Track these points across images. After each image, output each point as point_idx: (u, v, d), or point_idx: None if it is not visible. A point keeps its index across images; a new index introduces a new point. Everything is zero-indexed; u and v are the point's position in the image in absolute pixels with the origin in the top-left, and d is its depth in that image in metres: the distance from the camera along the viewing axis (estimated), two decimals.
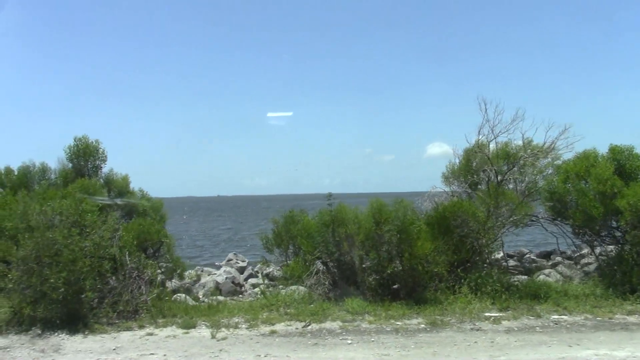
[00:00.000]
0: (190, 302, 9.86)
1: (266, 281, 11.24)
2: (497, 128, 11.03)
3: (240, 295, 10.68)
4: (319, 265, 11.01)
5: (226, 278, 10.83)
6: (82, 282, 8.33)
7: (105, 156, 12.08)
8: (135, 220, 10.46)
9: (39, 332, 8.13)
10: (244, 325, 8.33)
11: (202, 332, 8.09)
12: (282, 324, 8.42)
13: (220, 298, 10.27)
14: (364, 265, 9.62)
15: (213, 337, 7.80)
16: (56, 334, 8.06)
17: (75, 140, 11.83)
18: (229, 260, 13.23)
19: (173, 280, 10.47)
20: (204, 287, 10.63)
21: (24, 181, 11.68)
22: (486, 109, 11.14)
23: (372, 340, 7.57)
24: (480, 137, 11.08)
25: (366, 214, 9.73)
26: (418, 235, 9.48)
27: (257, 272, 11.56)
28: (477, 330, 8.03)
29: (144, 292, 9.00)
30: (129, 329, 8.32)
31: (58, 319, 8.29)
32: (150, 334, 8.02)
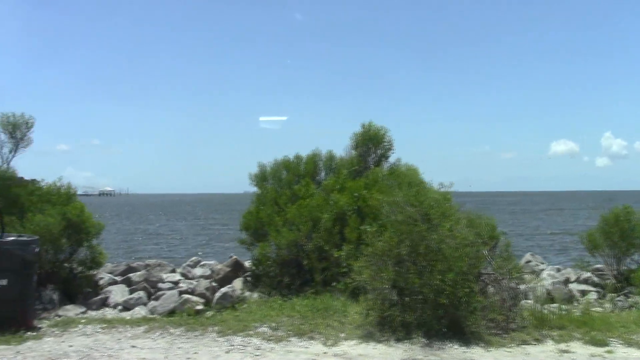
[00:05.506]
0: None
1: (587, 287, 9.73)
2: None
3: (576, 303, 9.23)
4: None
5: (552, 282, 9.45)
6: (467, 284, 7.27)
7: (392, 145, 11.06)
8: None
9: (424, 340, 7.12)
10: None
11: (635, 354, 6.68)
12: None
13: (554, 306, 8.85)
14: None
15: None
16: (448, 344, 7.02)
17: (362, 127, 10.92)
18: (528, 262, 11.85)
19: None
20: (531, 292, 9.30)
21: (311, 170, 10.95)
22: None
23: None
24: None
25: None
26: None
27: (575, 276, 10.09)
28: None
29: (518, 298, 7.78)
30: (524, 342, 7.11)
31: (444, 327, 7.28)
32: (565, 351, 6.74)
